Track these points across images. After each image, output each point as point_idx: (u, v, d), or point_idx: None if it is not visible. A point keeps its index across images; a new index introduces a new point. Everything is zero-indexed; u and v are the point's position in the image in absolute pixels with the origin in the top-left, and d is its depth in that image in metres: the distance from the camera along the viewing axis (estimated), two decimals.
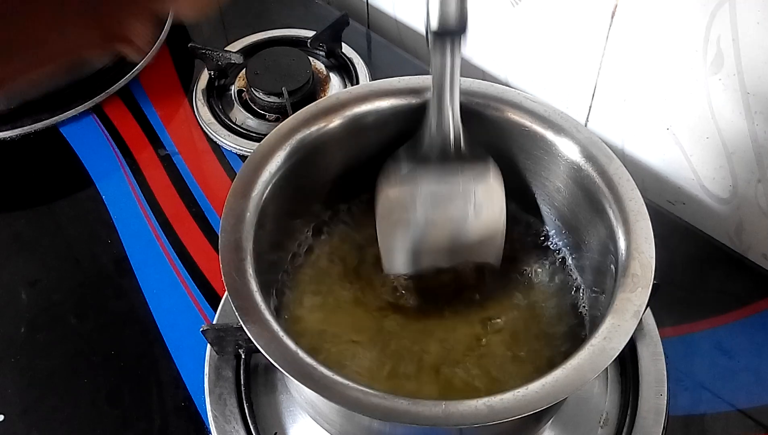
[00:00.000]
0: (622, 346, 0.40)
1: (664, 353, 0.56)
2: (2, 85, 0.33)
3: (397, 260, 0.52)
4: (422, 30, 0.85)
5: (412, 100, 0.52)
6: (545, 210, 0.55)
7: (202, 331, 0.52)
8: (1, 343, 0.59)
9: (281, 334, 0.41)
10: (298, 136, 0.50)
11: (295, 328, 0.50)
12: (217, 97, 0.79)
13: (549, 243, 0.55)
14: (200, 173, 0.71)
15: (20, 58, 0.32)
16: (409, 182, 0.50)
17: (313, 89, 0.78)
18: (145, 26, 0.35)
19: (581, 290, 0.52)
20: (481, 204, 0.50)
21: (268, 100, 0.76)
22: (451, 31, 0.45)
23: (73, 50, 0.34)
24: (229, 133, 0.74)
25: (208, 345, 0.55)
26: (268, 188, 0.48)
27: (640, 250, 0.44)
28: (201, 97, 0.78)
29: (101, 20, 0.33)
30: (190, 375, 0.57)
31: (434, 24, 0.45)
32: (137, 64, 0.79)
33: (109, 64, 0.79)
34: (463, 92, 0.52)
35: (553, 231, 0.55)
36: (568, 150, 0.50)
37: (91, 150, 0.73)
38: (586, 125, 0.70)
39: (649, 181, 0.71)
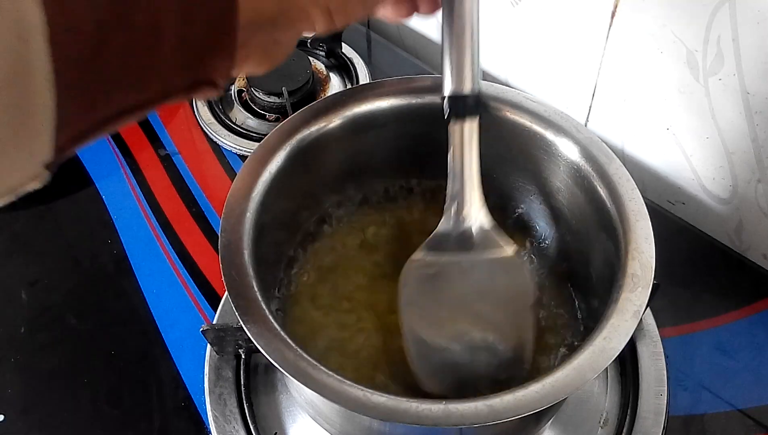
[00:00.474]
0: (622, 346, 0.40)
1: (664, 353, 0.56)
2: (88, 135, 0.30)
3: (432, 378, 0.47)
4: (423, 31, 0.85)
5: (412, 100, 0.52)
6: (545, 210, 0.55)
7: (202, 331, 0.52)
8: (1, 343, 0.59)
9: (281, 334, 0.40)
10: (298, 136, 0.50)
11: (295, 328, 0.50)
12: (217, 97, 0.79)
13: (548, 243, 0.55)
14: (200, 173, 0.71)
15: (105, 106, 0.29)
16: (430, 271, 0.48)
17: (313, 89, 0.78)
18: (227, 64, 0.33)
19: (581, 290, 0.52)
20: (508, 294, 0.48)
21: (268, 100, 0.76)
22: (466, 101, 0.45)
23: (163, 95, 0.30)
24: (229, 133, 0.74)
25: (208, 345, 0.55)
26: (268, 188, 0.48)
27: (640, 250, 0.44)
28: None
29: (188, 61, 0.30)
30: (190, 375, 0.57)
31: (447, 90, 0.45)
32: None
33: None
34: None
35: (553, 231, 0.55)
36: (568, 150, 0.50)
37: (91, 150, 0.73)
38: (586, 125, 0.70)
39: (649, 181, 0.71)
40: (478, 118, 0.46)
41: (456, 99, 0.46)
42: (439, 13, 0.45)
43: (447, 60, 0.45)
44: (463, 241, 0.48)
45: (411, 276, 0.48)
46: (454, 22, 0.44)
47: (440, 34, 0.45)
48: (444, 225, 0.48)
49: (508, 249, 0.49)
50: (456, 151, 0.47)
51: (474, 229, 0.48)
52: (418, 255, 0.49)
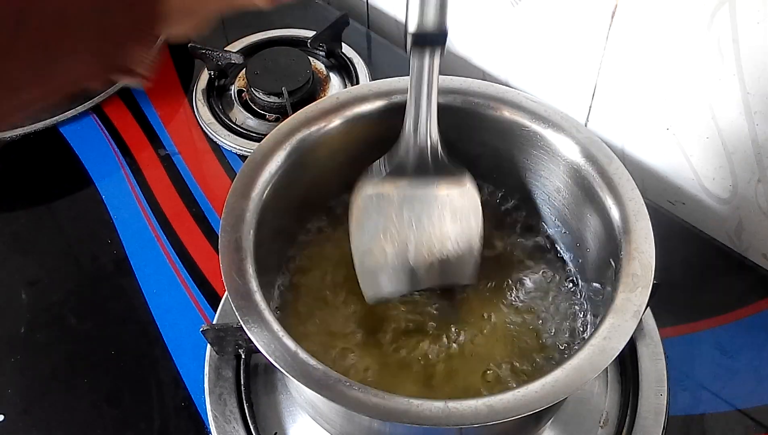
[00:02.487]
0: (622, 346, 0.40)
1: (664, 353, 0.56)
2: (3, 120, 0.33)
3: (377, 283, 0.51)
4: None
5: None
6: (545, 210, 0.55)
7: (202, 331, 0.52)
8: (1, 343, 0.59)
9: (281, 334, 0.41)
10: (298, 136, 0.50)
11: (295, 328, 0.50)
12: (217, 97, 0.79)
13: (548, 243, 0.55)
14: (200, 173, 0.71)
15: (21, 92, 0.31)
16: (382, 191, 0.50)
17: (313, 89, 0.78)
18: (147, 53, 0.34)
19: (581, 290, 0.52)
20: (456, 213, 0.50)
21: (268, 100, 0.76)
22: (430, 36, 0.44)
23: (75, 82, 0.33)
24: (229, 133, 0.74)
25: (208, 345, 0.55)
26: (268, 188, 0.48)
27: (640, 250, 0.44)
28: (201, 97, 0.78)
29: (103, 49, 0.32)
30: (190, 375, 0.57)
31: (412, 27, 0.44)
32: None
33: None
34: (463, 92, 0.52)
35: (553, 231, 0.55)
36: (568, 150, 0.50)
37: (91, 150, 0.73)
38: (586, 125, 0.70)
39: (649, 181, 0.71)
40: (440, 51, 0.46)
41: (420, 35, 0.45)
42: None
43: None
44: (417, 167, 0.49)
45: (363, 199, 0.50)
46: None
47: None
48: (399, 151, 0.49)
49: (460, 176, 0.50)
50: (415, 80, 0.47)
51: (427, 157, 0.49)
52: (372, 180, 0.50)
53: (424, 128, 0.48)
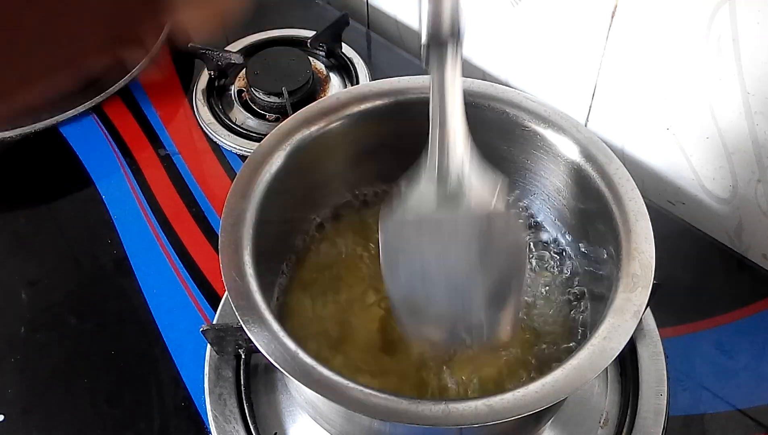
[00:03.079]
0: (622, 346, 0.40)
1: (664, 353, 0.56)
2: (6, 98, 0.32)
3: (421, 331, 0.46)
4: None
5: (413, 100, 0.52)
6: (545, 210, 0.55)
7: (202, 331, 0.52)
8: (1, 343, 0.59)
9: (281, 334, 0.41)
10: (298, 136, 0.50)
11: (295, 328, 0.50)
12: (217, 97, 0.79)
13: (548, 243, 0.55)
14: (200, 173, 0.71)
15: (30, 62, 0.30)
16: (410, 228, 0.44)
17: (313, 89, 0.78)
18: (153, 26, 0.33)
19: (581, 290, 0.52)
20: (499, 250, 0.44)
21: (268, 100, 0.76)
22: (444, 39, 0.41)
23: (85, 52, 0.32)
24: (229, 133, 0.74)
25: (208, 345, 0.55)
26: (268, 188, 0.48)
27: (640, 250, 0.44)
28: (201, 97, 0.78)
29: (112, 15, 0.32)
30: (190, 375, 0.57)
31: (425, 35, 0.41)
32: (137, 64, 0.79)
33: (110, 63, 0.79)
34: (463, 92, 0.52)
35: (553, 231, 0.55)
36: (568, 150, 0.50)
37: (91, 150, 0.73)
38: (586, 125, 0.70)
39: (649, 181, 0.71)
40: (459, 62, 0.42)
41: (434, 43, 0.42)
42: None
43: (424, 10, 0.41)
44: (448, 197, 0.44)
45: (392, 234, 0.44)
46: None
47: None
48: (426, 182, 0.44)
49: (498, 204, 0.44)
50: (435, 97, 0.42)
51: (458, 185, 0.44)
52: (399, 212, 0.44)
53: (452, 155, 0.43)
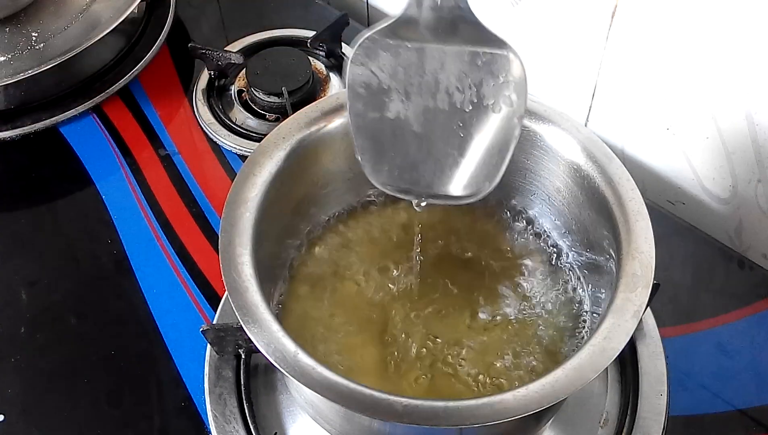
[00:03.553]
0: (622, 346, 0.40)
1: (664, 353, 0.56)
2: None
3: (380, 163, 0.41)
4: None
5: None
6: (545, 210, 0.55)
7: (202, 331, 0.52)
8: (1, 343, 0.59)
9: (281, 334, 0.41)
10: (298, 136, 0.50)
11: (295, 328, 0.50)
12: (217, 97, 0.79)
13: (548, 243, 0.55)
14: (200, 173, 0.71)
15: None
16: (390, 40, 0.38)
17: (313, 89, 0.78)
18: None
19: (581, 290, 0.52)
20: (495, 82, 0.38)
21: (268, 100, 0.76)
22: None
23: None
24: (229, 133, 0.74)
25: (208, 345, 0.55)
26: (268, 188, 0.48)
27: (640, 250, 0.44)
28: (201, 97, 0.78)
29: None
30: (190, 375, 0.57)
31: None
32: (137, 64, 0.79)
33: (110, 63, 0.80)
34: None
35: (553, 231, 0.55)
36: (568, 150, 0.50)
37: (91, 150, 0.73)
38: (586, 125, 0.70)
39: (649, 181, 0.71)
40: None
41: None
42: None
43: None
44: (438, 27, 0.39)
45: (364, 58, 0.39)
46: None
47: None
48: (411, 6, 0.38)
49: (495, 39, 0.40)
50: None
51: (449, 13, 0.39)
52: (377, 32, 0.39)
53: None
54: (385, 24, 0.39)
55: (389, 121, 0.41)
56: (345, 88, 0.41)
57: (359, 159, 0.43)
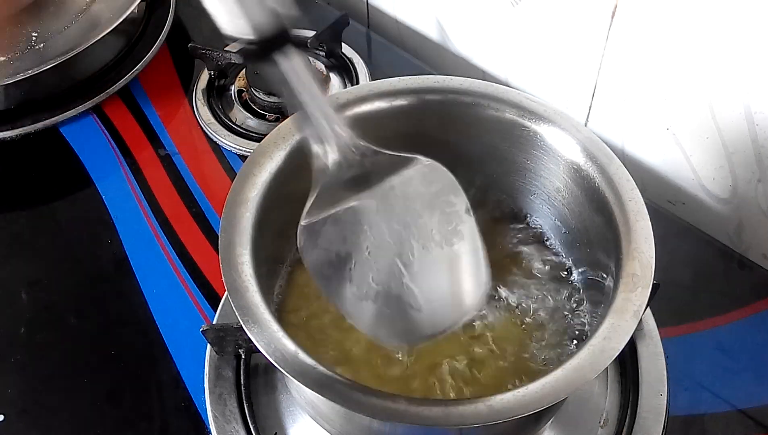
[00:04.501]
0: (622, 346, 0.40)
1: (664, 353, 0.56)
2: None
3: (376, 325, 0.42)
4: (423, 30, 0.85)
5: (412, 100, 0.52)
6: (545, 210, 0.55)
7: (202, 331, 0.52)
8: (1, 343, 0.59)
9: (281, 334, 0.40)
10: (298, 136, 0.50)
11: (295, 327, 0.50)
12: (217, 97, 0.79)
13: (548, 243, 0.55)
14: (200, 173, 0.71)
15: None
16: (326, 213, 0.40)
17: None
18: None
19: (581, 290, 0.52)
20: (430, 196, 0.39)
21: (268, 100, 0.75)
22: (269, 43, 0.37)
23: None
24: (229, 133, 0.74)
25: (208, 345, 0.55)
26: (268, 188, 0.48)
27: (640, 250, 0.44)
28: (201, 97, 0.78)
29: None
30: (190, 375, 0.57)
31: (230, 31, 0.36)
32: (137, 64, 0.79)
33: (110, 63, 0.80)
34: (463, 92, 0.52)
35: (553, 231, 0.55)
36: (568, 150, 0.50)
37: (91, 150, 0.73)
38: (586, 125, 0.70)
39: (649, 181, 0.71)
40: (292, 53, 0.38)
41: (255, 45, 0.37)
42: None
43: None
44: (355, 178, 0.40)
45: (311, 240, 0.40)
46: None
47: None
48: (321, 175, 0.40)
49: (405, 159, 0.40)
50: (295, 85, 0.38)
51: (360, 160, 0.40)
52: (309, 216, 0.40)
53: (330, 128, 0.40)
54: (309, 204, 0.41)
55: (364, 286, 0.41)
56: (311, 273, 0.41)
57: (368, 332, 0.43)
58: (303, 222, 0.41)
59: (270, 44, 0.37)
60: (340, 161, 0.40)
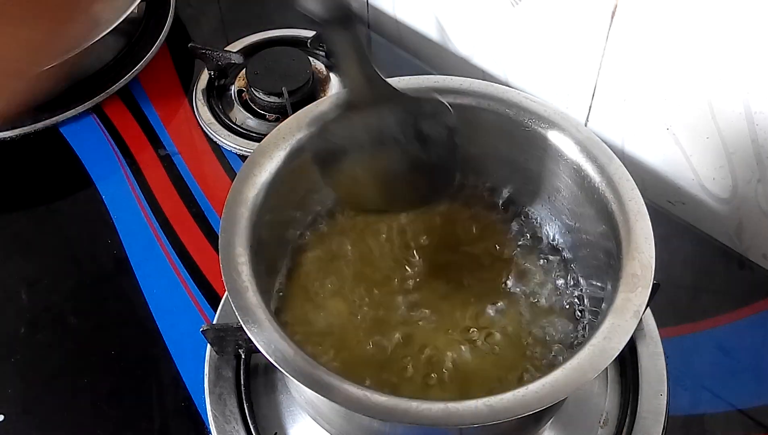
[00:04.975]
0: (622, 346, 0.40)
1: (664, 353, 0.56)
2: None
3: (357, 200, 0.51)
4: (423, 30, 0.85)
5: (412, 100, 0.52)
6: (545, 210, 0.55)
7: (202, 331, 0.52)
8: (1, 343, 0.59)
9: (281, 334, 0.41)
10: (298, 136, 0.50)
11: (295, 327, 0.50)
12: (217, 97, 0.79)
13: (548, 243, 0.55)
14: (200, 173, 0.71)
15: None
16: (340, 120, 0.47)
17: (313, 89, 0.78)
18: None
19: (581, 290, 0.52)
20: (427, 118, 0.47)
21: (268, 100, 0.76)
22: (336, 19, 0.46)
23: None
24: (229, 133, 0.74)
25: (208, 345, 0.55)
26: (268, 188, 0.48)
27: (640, 250, 0.44)
28: (201, 97, 0.78)
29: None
30: (190, 375, 0.57)
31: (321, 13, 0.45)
32: (137, 64, 0.79)
33: (110, 63, 0.80)
34: (463, 92, 0.52)
35: (553, 231, 0.55)
36: (568, 150, 0.50)
37: (91, 150, 0.73)
38: (586, 125, 0.70)
39: (649, 181, 0.71)
40: (352, 31, 0.46)
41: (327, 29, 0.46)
42: None
43: None
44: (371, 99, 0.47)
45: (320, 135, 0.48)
46: None
47: None
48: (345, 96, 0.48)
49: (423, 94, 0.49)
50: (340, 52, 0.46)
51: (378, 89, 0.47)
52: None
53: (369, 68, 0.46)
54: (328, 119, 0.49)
55: (355, 168, 0.49)
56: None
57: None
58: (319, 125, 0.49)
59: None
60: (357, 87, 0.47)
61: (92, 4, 0.35)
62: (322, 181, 0.49)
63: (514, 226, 0.56)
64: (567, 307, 0.52)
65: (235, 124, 0.76)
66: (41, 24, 0.32)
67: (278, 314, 0.51)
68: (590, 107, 0.72)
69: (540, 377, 0.39)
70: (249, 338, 0.40)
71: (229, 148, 0.73)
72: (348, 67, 0.46)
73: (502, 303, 0.52)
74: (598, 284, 0.50)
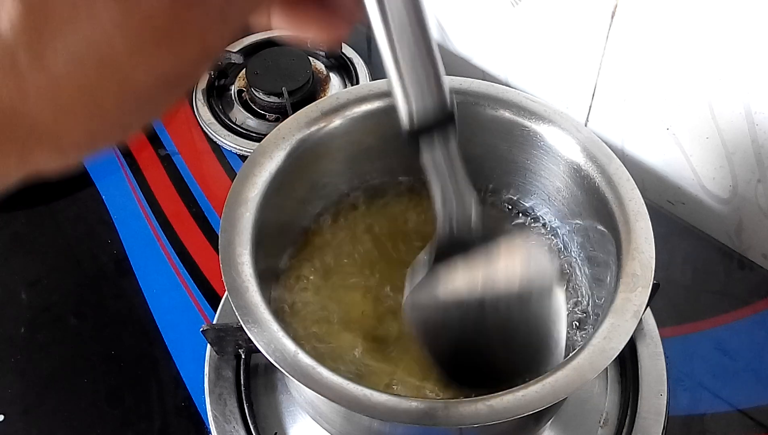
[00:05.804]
0: (622, 346, 0.40)
1: (664, 353, 0.56)
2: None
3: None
4: None
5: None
6: (545, 210, 0.55)
7: (202, 331, 0.52)
8: (1, 343, 0.59)
9: (281, 334, 0.41)
10: (298, 136, 0.50)
11: (295, 327, 0.50)
12: (217, 97, 0.79)
13: (548, 243, 0.55)
14: (200, 173, 0.71)
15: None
16: (432, 282, 0.41)
17: (313, 89, 0.78)
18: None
19: (581, 290, 0.52)
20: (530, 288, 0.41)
21: (268, 100, 0.76)
22: (434, 125, 0.35)
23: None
24: (229, 133, 0.74)
25: (208, 345, 0.55)
26: (268, 188, 0.48)
27: (640, 250, 0.44)
28: (201, 97, 0.78)
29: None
30: (190, 375, 0.57)
31: (407, 123, 0.34)
32: None
33: None
34: (463, 92, 0.52)
35: (553, 231, 0.55)
36: (568, 150, 0.50)
37: None
38: (586, 125, 0.70)
39: (649, 181, 0.71)
40: (451, 135, 0.37)
41: (422, 129, 0.35)
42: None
43: (397, 83, 0.33)
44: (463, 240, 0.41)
45: (422, 314, 0.42)
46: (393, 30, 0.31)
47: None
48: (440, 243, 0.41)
49: (517, 238, 0.43)
50: (434, 172, 0.38)
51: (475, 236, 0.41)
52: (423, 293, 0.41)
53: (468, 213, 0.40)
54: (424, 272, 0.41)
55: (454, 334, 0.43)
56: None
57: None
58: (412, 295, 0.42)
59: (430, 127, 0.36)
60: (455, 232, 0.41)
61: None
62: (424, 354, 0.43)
63: (514, 225, 0.56)
64: (567, 306, 0.52)
65: (235, 124, 0.76)
66: None
67: (278, 314, 0.50)
68: (590, 107, 0.72)
69: (540, 377, 0.39)
70: (249, 338, 0.40)
71: (229, 148, 0.73)
72: (444, 188, 0.38)
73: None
74: (598, 284, 0.49)
